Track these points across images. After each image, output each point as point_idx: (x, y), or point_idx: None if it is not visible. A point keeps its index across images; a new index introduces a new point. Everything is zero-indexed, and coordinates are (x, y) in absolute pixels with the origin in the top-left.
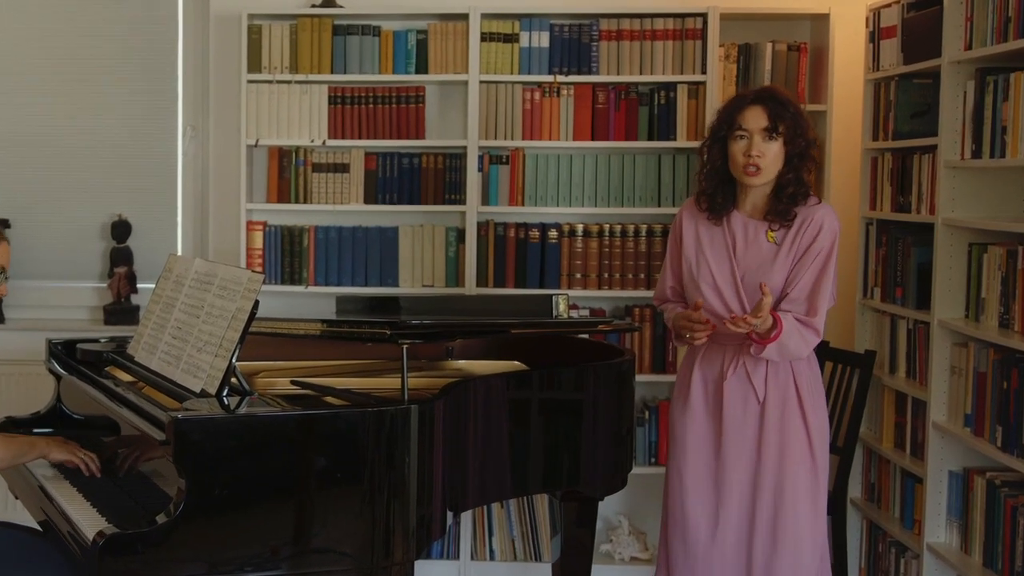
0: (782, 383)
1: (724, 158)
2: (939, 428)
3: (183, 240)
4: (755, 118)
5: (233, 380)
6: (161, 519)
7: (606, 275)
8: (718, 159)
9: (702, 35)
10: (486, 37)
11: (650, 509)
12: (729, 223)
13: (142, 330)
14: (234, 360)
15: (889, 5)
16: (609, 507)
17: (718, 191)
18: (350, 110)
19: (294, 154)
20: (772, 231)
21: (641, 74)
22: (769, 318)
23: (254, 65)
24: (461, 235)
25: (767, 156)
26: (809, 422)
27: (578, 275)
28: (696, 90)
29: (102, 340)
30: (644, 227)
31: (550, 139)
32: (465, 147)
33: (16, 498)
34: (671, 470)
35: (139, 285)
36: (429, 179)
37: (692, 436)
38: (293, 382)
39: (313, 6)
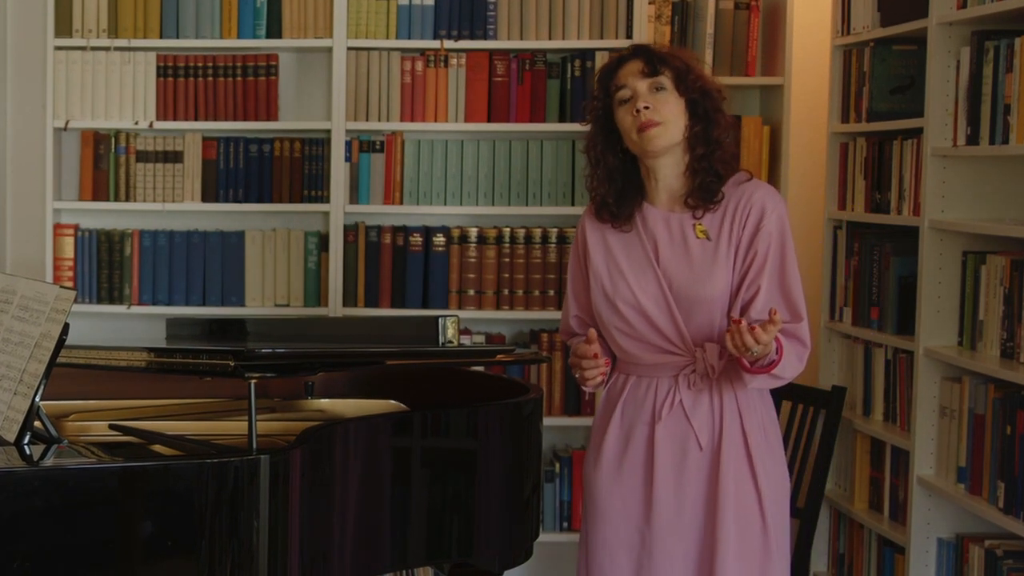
0: (728, 422)
1: (617, 147)
2: (925, 485)
3: None
4: (632, 69)
5: (37, 424)
6: None
7: (506, 292)
8: (603, 149)
9: None
10: None
11: None
12: (644, 223)
13: None
14: (38, 399)
15: None
16: None
17: (615, 193)
18: (184, 84)
19: (114, 139)
20: (700, 224)
21: (550, 39)
22: (772, 343)
23: (63, 27)
24: (324, 241)
25: (661, 107)
26: (759, 476)
27: (471, 292)
28: None
29: None
30: (554, 231)
31: (436, 121)
32: (329, 131)
33: None
34: (580, 548)
35: None
36: (283, 171)
37: (610, 501)
38: (112, 427)
39: None
